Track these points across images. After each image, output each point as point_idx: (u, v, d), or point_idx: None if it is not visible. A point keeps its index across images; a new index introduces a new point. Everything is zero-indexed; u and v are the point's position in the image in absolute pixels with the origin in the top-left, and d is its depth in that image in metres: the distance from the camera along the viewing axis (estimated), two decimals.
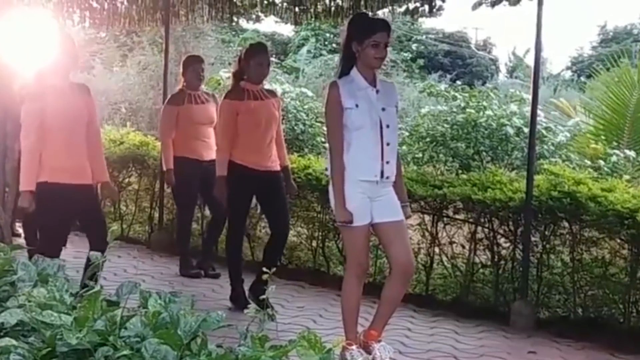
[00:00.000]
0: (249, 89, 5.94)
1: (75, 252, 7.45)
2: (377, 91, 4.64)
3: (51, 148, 5.01)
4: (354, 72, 4.62)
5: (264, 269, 2.39)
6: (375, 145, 4.58)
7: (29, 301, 2.20)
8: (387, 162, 4.61)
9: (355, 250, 4.67)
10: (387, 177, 4.63)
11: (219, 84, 12.59)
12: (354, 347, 4.60)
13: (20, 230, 7.81)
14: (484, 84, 26.15)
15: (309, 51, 28.57)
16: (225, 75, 12.52)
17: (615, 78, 11.74)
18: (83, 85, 5.42)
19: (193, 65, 7.09)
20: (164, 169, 7.10)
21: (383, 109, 4.63)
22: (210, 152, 6.88)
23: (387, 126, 4.62)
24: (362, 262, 4.70)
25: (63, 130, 5.04)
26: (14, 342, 2.00)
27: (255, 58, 5.98)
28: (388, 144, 4.62)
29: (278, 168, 6.03)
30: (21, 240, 7.23)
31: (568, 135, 10.81)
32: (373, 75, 4.67)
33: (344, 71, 4.66)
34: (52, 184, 4.98)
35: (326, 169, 5.04)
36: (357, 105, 4.54)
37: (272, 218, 6.22)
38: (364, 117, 4.55)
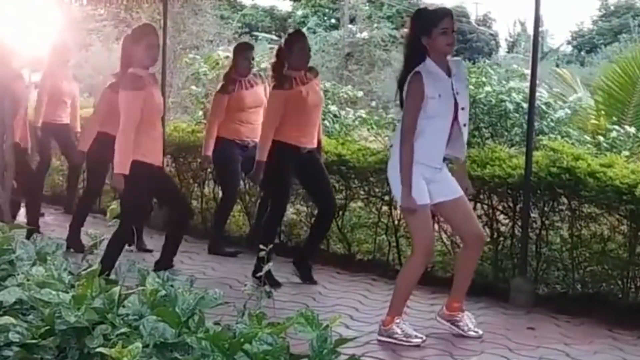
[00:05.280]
0: (295, 77, 6.09)
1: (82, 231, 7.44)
2: (452, 76, 4.79)
3: (145, 133, 5.43)
4: (430, 64, 4.74)
5: (261, 247, 2.40)
6: (445, 135, 4.80)
7: (28, 280, 2.21)
8: (447, 145, 4.83)
9: (422, 236, 4.81)
10: (444, 160, 4.87)
11: (217, 64, 12.50)
12: (400, 320, 4.82)
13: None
14: (484, 59, 26.08)
15: (308, 27, 28.47)
16: (223, 54, 12.43)
17: (628, 54, 11.66)
18: (155, 76, 5.83)
19: (244, 52, 7.19)
20: (203, 153, 7.21)
21: (457, 93, 4.80)
22: (257, 135, 6.94)
23: (462, 109, 4.83)
24: (429, 249, 4.92)
25: (155, 117, 5.55)
26: (12, 320, 2.02)
27: (298, 44, 6.16)
28: (465, 125, 4.85)
29: (315, 145, 6.24)
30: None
31: (569, 111, 10.75)
32: (447, 63, 4.81)
33: (413, 66, 4.75)
34: (146, 164, 5.45)
35: (390, 146, 5.22)
36: (439, 96, 4.71)
37: (317, 194, 6.37)
38: (443, 107, 4.74)
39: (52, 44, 8.51)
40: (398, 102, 4.95)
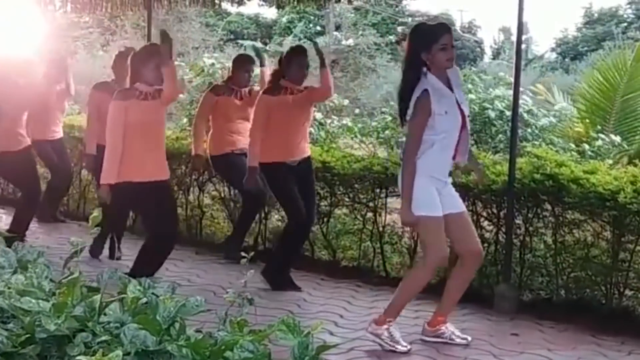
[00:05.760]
0: (288, 87, 6.19)
1: (59, 238, 7.46)
2: (453, 90, 4.83)
3: (136, 145, 5.36)
4: (433, 79, 4.75)
5: (243, 254, 2.41)
6: (452, 149, 4.83)
7: (8, 288, 2.20)
8: (453, 159, 4.89)
9: (437, 249, 4.81)
10: (449, 173, 4.92)
11: (203, 71, 12.51)
12: (392, 323, 4.83)
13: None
14: (469, 66, 26.20)
15: (294, 35, 28.49)
16: (209, 62, 12.44)
17: (609, 61, 11.69)
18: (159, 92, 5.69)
19: (245, 66, 7.20)
20: (193, 153, 7.17)
21: (462, 103, 4.86)
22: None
23: (468, 116, 4.92)
24: (444, 256, 4.89)
25: (142, 131, 5.38)
26: None
27: (297, 60, 6.25)
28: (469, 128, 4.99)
29: (308, 153, 6.31)
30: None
31: (553, 120, 10.80)
32: (446, 76, 4.84)
33: (413, 80, 4.76)
34: (137, 183, 5.35)
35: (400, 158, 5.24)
36: (446, 112, 4.73)
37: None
38: (450, 123, 4.77)
39: (49, 58, 8.56)
40: (398, 115, 4.96)
